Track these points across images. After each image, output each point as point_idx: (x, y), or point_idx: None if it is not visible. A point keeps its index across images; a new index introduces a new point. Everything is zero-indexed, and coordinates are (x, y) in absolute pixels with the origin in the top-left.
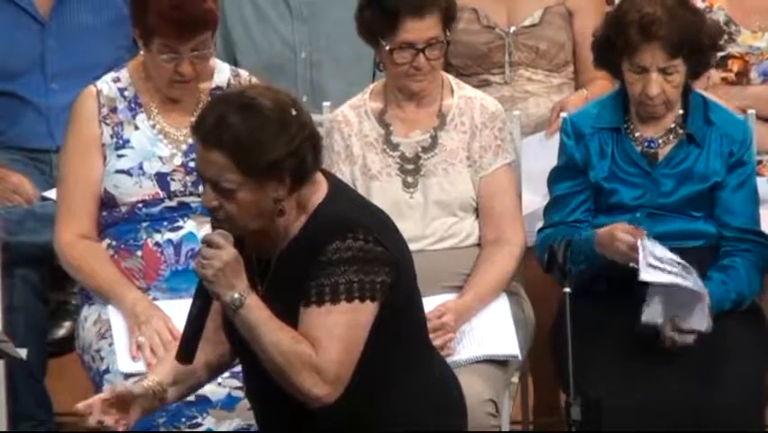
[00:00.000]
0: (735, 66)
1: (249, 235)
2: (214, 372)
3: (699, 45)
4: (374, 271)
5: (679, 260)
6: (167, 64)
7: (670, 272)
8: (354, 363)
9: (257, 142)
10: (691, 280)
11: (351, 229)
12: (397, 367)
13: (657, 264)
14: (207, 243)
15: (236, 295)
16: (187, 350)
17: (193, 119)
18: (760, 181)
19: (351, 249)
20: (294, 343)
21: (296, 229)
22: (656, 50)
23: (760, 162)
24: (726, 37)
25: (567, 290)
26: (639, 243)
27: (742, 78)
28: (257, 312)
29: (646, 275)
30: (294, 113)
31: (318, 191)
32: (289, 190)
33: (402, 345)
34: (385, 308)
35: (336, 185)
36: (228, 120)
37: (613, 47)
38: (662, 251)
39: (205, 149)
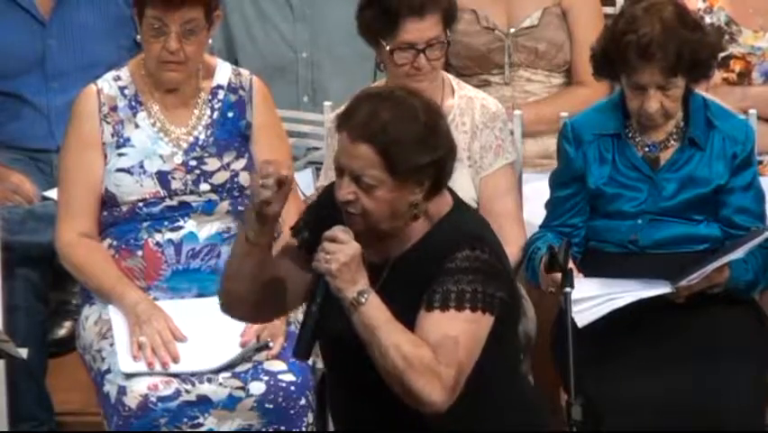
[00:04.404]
0: (736, 66)
1: (367, 236)
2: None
3: (698, 61)
4: (495, 286)
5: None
6: (155, 41)
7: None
8: (467, 374)
9: (408, 145)
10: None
11: (480, 241)
12: (495, 382)
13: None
14: (330, 238)
15: (360, 291)
16: (303, 347)
17: (194, 117)
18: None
19: (478, 260)
20: (415, 346)
21: (417, 236)
22: (654, 71)
23: (761, 163)
24: (727, 37)
25: (567, 289)
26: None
27: (743, 78)
28: (379, 311)
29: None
30: (441, 121)
31: (444, 202)
32: (424, 197)
33: (502, 361)
34: (496, 323)
35: (458, 199)
36: (381, 116)
37: (611, 63)
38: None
39: (354, 142)
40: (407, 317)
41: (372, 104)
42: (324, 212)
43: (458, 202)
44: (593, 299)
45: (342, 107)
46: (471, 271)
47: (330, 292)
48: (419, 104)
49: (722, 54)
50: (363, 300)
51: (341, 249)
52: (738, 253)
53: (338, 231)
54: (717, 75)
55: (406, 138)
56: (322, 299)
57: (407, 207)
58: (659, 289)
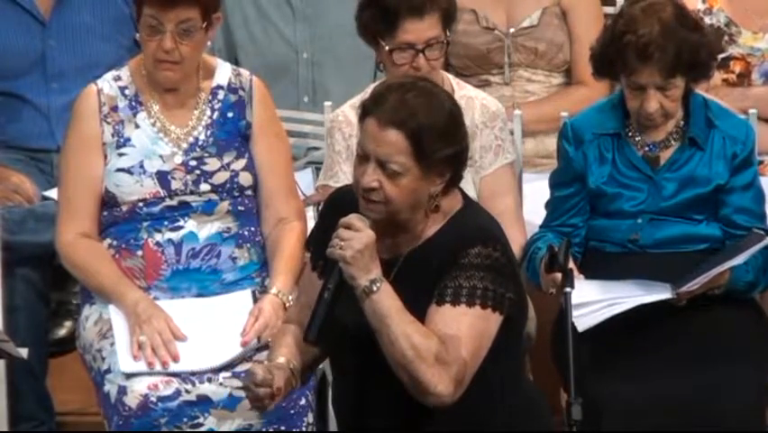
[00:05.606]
0: (736, 67)
1: (382, 227)
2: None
3: (697, 62)
4: (505, 286)
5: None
6: (151, 39)
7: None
8: (475, 370)
9: (437, 133)
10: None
11: (492, 239)
12: (499, 381)
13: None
14: (346, 225)
15: (372, 279)
16: (314, 332)
17: (194, 117)
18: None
19: (490, 257)
20: (425, 337)
21: (431, 231)
22: (654, 71)
23: (761, 163)
24: (726, 38)
25: (567, 289)
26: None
27: (743, 79)
28: (391, 300)
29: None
30: (461, 113)
31: (456, 200)
32: (443, 190)
33: (507, 361)
34: (504, 323)
35: (468, 198)
36: (411, 103)
37: (611, 63)
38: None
39: (383, 128)
40: (418, 312)
41: (400, 91)
42: (326, 235)
43: (469, 200)
44: (594, 303)
45: (364, 96)
46: (483, 268)
47: (342, 279)
48: (443, 94)
49: (722, 55)
50: (376, 289)
51: (356, 236)
52: (739, 260)
53: (354, 218)
54: (717, 76)
55: (435, 126)
56: (334, 286)
57: (427, 198)
58: (660, 294)
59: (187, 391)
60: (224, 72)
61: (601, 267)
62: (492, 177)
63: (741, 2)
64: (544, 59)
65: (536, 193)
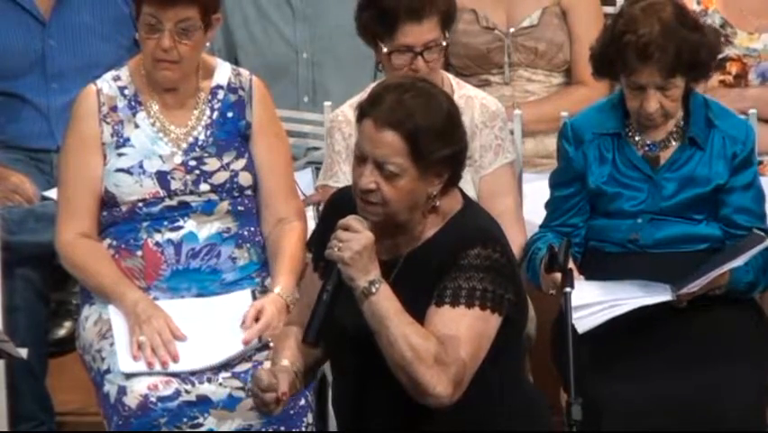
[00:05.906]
0: (733, 68)
1: (381, 229)
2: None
3: (697, 62)
4: (505, 287)
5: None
6: (150, 38)
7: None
8: (475, 371)
9: (434, 133)
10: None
11: (492, 240)
12: (499, 382)
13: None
14: (344, 226)
15: (371, 280)
16: (313, 333)
17: (193, 117)
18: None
19: (490, 258)
20: (424, 338)
21: (430, 232)
22: (654, 71)
23: (761, 163)
24: (722, 39)
25: (567, 289)
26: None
27: (740, 80)
28: (390, 301)
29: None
30: (459, 113)
31: (455, 200)
32: (441, 190)
33: (507, 362)
34: (504, 324)
35: (468, 198)
36: (407, 104)
37: (611, 63)
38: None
39: (380, 129)
40: (418, 313)
41: (397, 92)
42: (327, 236)
43: (468, 201)
44: (594, 305)
45: (364, 96)
46: (483, 269)
47: (341, 281)
48: (441, 94)
49: (718, 56)
50: (374, 290)
51: (354, 237)
52: (739, 261)
53: (352, 220)
54: (714, 77)
55: (432, 127)
56: (333, 288)
57: (426, 199)
58: (660, 296)
59: (187, 392)
60: (223, 72)
61: (601, 267)
62: (492, 177)
63: (736, 3)
64: (544, 59)
65: (536, 193)
